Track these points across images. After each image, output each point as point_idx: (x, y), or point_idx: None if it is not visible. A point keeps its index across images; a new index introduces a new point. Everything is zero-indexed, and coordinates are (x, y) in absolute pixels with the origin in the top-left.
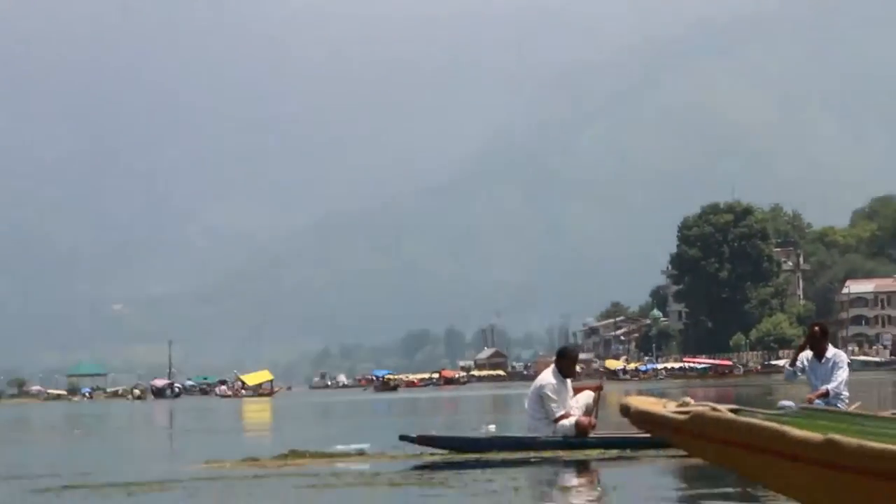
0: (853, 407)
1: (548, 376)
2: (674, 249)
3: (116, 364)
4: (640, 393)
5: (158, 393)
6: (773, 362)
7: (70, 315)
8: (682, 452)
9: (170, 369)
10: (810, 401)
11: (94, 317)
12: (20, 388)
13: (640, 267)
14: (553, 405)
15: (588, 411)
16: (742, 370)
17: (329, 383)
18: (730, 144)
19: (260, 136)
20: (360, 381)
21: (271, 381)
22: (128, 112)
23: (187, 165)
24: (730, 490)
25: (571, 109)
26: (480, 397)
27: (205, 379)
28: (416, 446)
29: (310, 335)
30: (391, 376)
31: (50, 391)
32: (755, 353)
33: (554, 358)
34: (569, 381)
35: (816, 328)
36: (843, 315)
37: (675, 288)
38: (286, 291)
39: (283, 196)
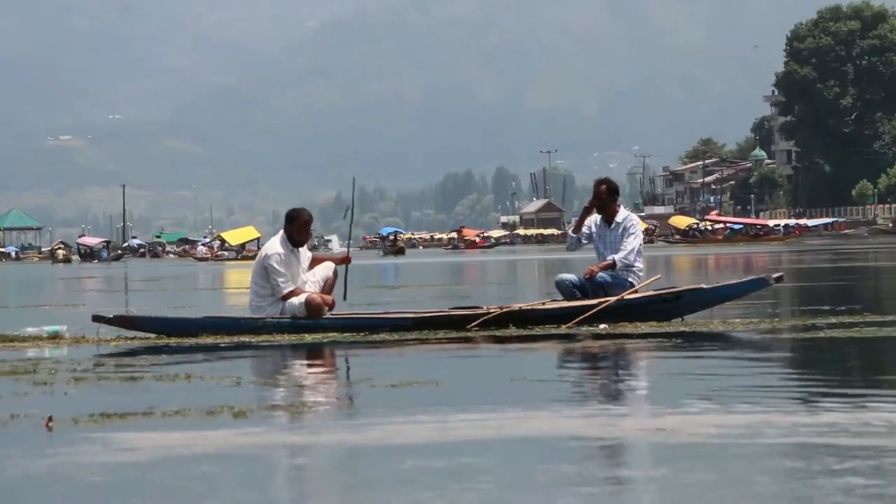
0: (649, 281)
1: (275, 245)
2: (781, 68)
3: (65, 214)
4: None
5: (88, 254)
6: None
7: (1, 147)
8: (431, 336)
9: (124, 223)
10: (592, 273)
11: (33, 151)
12: None
13: (739, 92)
14: (280, 280)
15: (327, 288)
16: (783, 232)
17: (316, 243)
18: None
19: None
20: (370, 240)
21: (258, 239)
22: None
23: None
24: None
25: None
26: (509, 263)
27: (157, 236)
28: (127, 331)
29: (320, 179)
30: (401, 235)
31: None
32: (886, 206)
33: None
34: (303, 250)
35: (603, 186)
36: None
37: (782, 120)
38: (287, 122)
39: None
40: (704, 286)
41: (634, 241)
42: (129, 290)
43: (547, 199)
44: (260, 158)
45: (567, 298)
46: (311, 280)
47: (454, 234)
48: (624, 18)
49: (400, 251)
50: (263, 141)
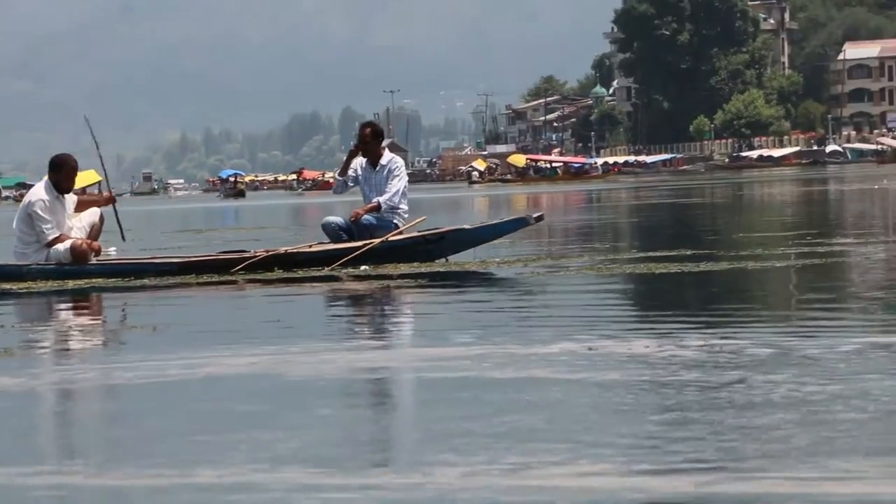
0: (414, 223)
1: (39, 191)
2: (619, 4)
3: None
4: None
5: None
6: (745, 153)
7: None
8: (194, 280)
9: None
10: (357, 216)
11: None
12: None
13: (580, 29)
14: (45, 226)
15: (93, 233)
16: (601, 170)
17: (156, 187)
18: None
19: None
20: (213, 182)
21: (98, 183)
22: None
23: None
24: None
25: None
26: (348, 204)
27: None
28: None
29: (165, 120)
30: (242, 178)
31: None
32: (722, 141)
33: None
34: (68, 196)
35: (368, 130)
36: (840, 88)
37: (621, 57)
38: (132, 59)
39: None
40: (467, 226)
41: (399, 183)
42: None
43: (391, 139)
44: (104, 100)
45: (334, 241)
46: (77, 226)
47: (293, 176)
48: None
49: (240, 194)
50: (108, 82)
